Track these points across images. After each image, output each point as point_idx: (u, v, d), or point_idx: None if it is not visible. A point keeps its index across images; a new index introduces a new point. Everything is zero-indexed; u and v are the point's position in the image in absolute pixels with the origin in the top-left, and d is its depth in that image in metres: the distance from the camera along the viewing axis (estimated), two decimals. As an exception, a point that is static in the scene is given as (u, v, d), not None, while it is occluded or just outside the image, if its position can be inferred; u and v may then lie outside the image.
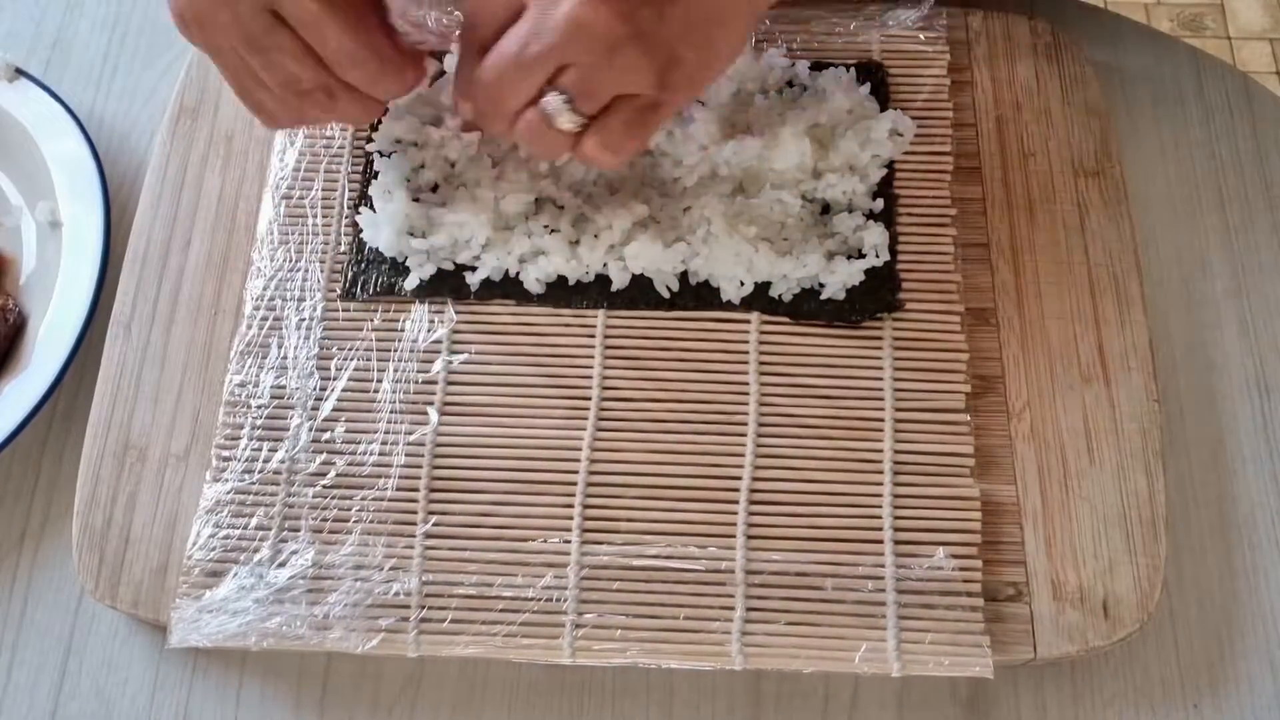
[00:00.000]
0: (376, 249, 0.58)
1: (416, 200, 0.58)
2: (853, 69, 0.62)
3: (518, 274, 0.58)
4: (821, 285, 0.57)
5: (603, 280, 0.58)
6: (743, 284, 0.57)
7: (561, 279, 0.57)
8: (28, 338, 0.59)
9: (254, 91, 0.53)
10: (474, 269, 0.58)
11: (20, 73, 0.65)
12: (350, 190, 0.60)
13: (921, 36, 0.64)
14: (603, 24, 0.47)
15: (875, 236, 0.57)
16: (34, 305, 0.60)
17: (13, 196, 0.64)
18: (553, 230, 0.58)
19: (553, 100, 0.49)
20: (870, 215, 0.59)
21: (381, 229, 0.58)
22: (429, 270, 0.58)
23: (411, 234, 0.58)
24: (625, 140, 0.51)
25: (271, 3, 0.49)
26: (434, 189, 0.59)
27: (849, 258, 0.57)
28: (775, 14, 0.64)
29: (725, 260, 0.57)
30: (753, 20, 0.54)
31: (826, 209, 0.59)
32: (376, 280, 0.58)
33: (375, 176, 0.60)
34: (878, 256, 0.57)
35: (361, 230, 0.58)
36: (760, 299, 0.57)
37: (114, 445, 0.56)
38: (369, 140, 0.61)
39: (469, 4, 0.51)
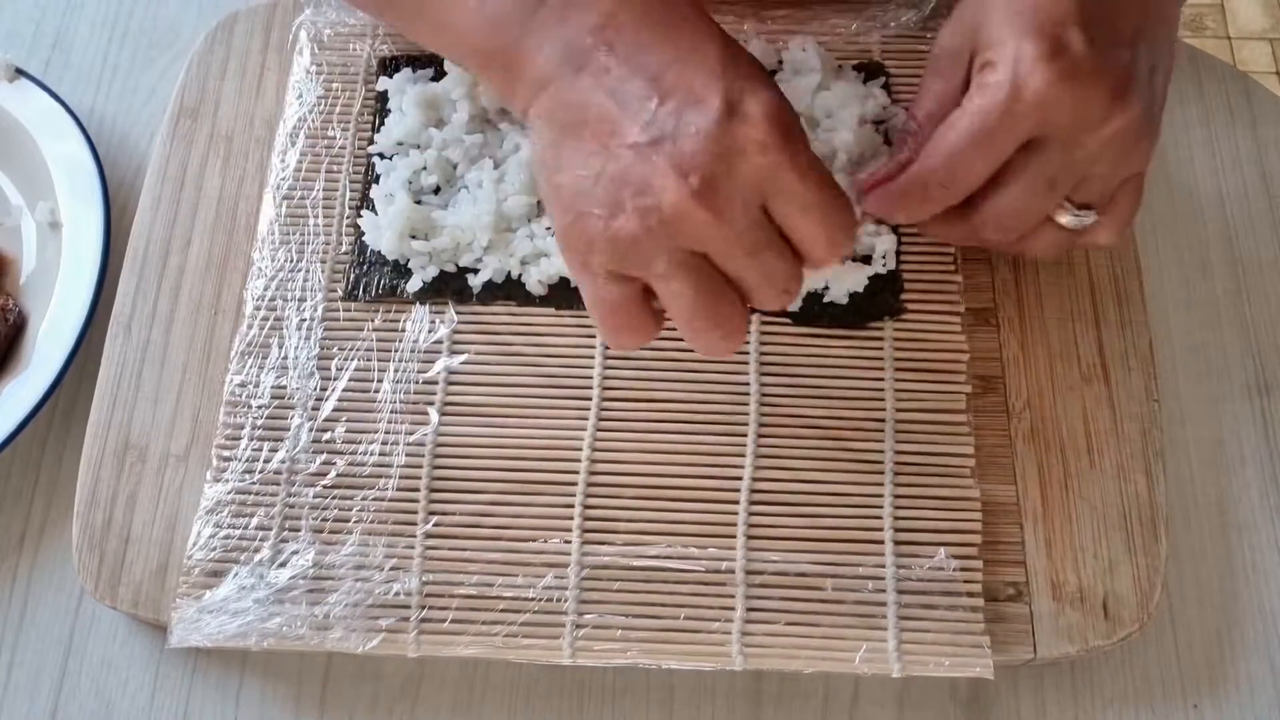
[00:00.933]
0: (378, 251, 0.58)
1: (419, 203, 0.58)
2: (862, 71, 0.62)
3: (519, 276, 0.58)
4: (825, 289, 0.57)
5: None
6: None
7: (564, 280, 0.57)
8: (28, 338, 0.59)
9: (721, 308, 0.46)
10: (476, 271, 0.58)
11: (20, 73, 0.65)
12: (352, 191, 0.60)
13: (928, 37, 0.64)
14: (1133, 134, 0.47)
15: (886, 243, 0.57)
16: (34, 305, 0.60)
17: (13, 196, 0.64)
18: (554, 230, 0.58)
19: (1085, 216, 0.50)
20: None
21: (383, 232, 0.58)
22: (431, 272, 0.58)
23: (414, 236, 0.58)
24: (1133, 216, 0.52)
25: (763, 198, 0.44)
26: (436, 191, 0.59)
27: (855, 260, 0.57)
28: (776, 14, 0.64)
29: None
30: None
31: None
32: (379, 282, 0.58)
33: (376, 179, 0.60)
34: (884, 264, 0.57)
35: (363, 233, 0.58)
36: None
37: (114, 445, 0.55)
38: (370, 142, 0.61)
39: (939, 153, 0.49)
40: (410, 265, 0.58)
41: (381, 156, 0.60)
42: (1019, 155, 0.48)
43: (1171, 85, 0.65)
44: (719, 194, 0.43)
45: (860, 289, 0.57)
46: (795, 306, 0.57)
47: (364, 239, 0.58)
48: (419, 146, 0.60)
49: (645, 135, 0.44)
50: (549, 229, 0.58)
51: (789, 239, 0.46)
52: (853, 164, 0.58)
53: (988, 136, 0.47)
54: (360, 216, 0.59)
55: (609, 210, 0.44)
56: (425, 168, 0.59)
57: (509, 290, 0.57)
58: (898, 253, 0.58)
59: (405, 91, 0.61)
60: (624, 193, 0.44)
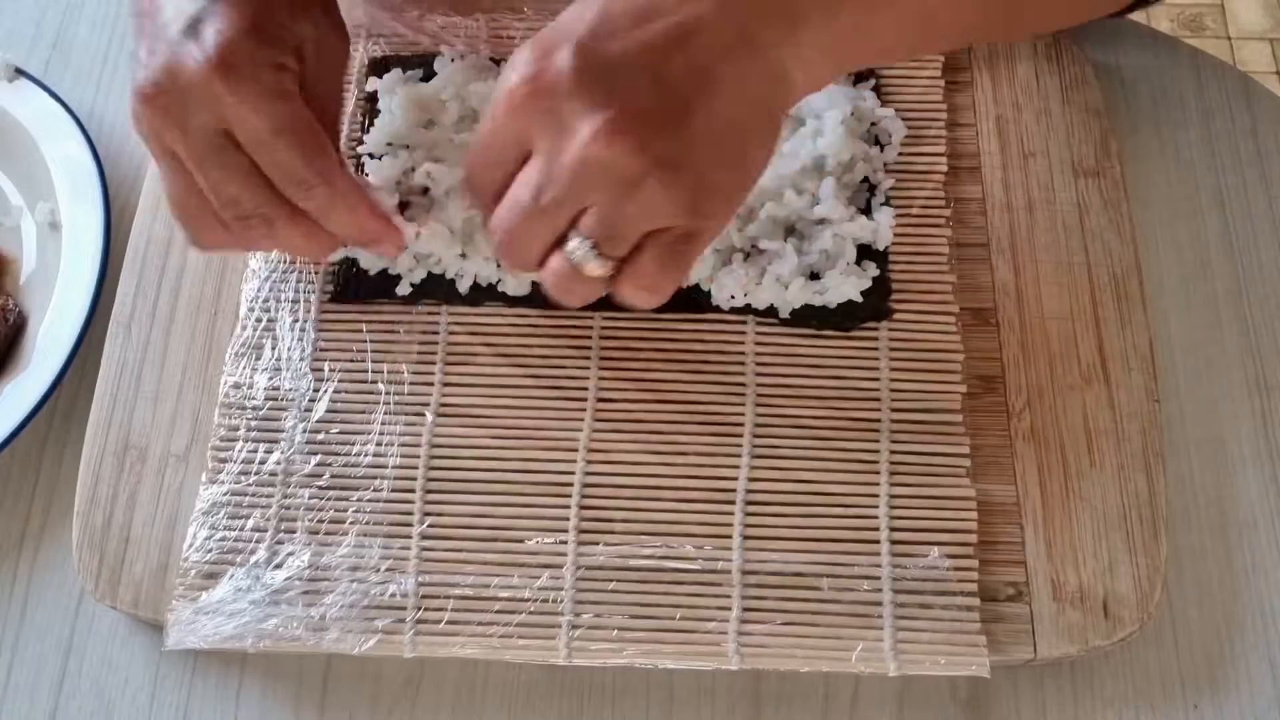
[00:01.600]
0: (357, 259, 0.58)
1: (405, 205, 0.58)
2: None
3: (498, 283, 0.57)
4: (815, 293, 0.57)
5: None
6: (733, 296, 0.57)
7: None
8: (28, 338, 0.59)
9: (189, 206, 0.51)
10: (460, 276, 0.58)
11: (20, 73, 0.65)
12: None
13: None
14: (619, 161, 0.43)
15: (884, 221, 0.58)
16: (34, 305, 0.60)
17: (13, 196, 0.64)
18: None
19: (578, 247, 0.46)
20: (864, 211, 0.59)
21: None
22: (420, 274, 0.58)
23: None
24: (662, 279, 0.47)
25: (224, 122, 0.48)
26: (424, 191, 0.59)
27: (849, 263, 0.57)
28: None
29: (725, 285, 0.57)
30: (779, 117, 0.47)
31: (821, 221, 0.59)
32: (369, 284, 0.58)
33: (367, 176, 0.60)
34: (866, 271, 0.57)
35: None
36: (751, 307, 0.57)
37: (114, 445, 0.56)
38: (359, 143, 0.61)
39: (469, 153, 0.48)
40: (397, 270, 0.58)
41: (371, 156, 0.60)
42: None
43: (1171, 85, 0.65)
44: (168, 102, 0.48)
45: (857, 296, 0.57)
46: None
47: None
48: (408, 147, 0.60)
49: (145, 29, 0.50)
50: None
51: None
52: (841, 168, 0.58)
53: (488, 137, 0.47)
54: None
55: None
56: (414, 168, 0.59)
57: (497, 290, 0.58)
58: (886, 253, 0.58)
59: (394, 92, 0.61)
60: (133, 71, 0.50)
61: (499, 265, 0.57)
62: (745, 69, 0.45)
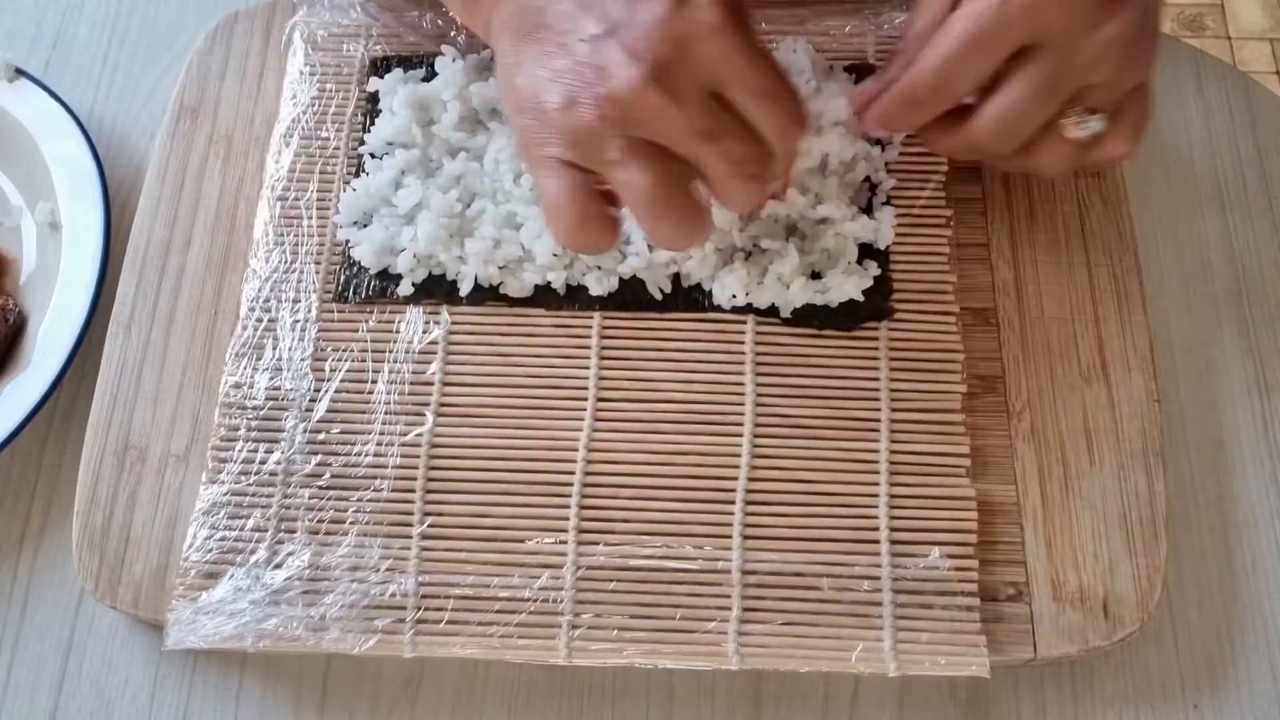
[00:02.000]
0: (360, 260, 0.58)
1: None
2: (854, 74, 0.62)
3: (500, 285, 0.57)
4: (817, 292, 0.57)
5: (596, 281, 0.58)
6: (734, 296, 0.57)
7: (547, 283, 0.58)
8: (28, 338, 0.59)
9: (674, 196, 0.48)
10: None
11: (20, 73, 0.65)
12: (350, 190, 0.60)
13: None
14: (1129, 32, 0.47)
15: (885, 221, 0.58)
16: (34, 305, 0.60)
17: (13, 196, 0.64)
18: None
19: (1093, 123, 0.49)
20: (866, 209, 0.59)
21: (364, 245, 0.58)
22: (420, 274, 0.58)
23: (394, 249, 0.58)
24: (1144, 125, 0.51)
25: (719, 83, 0.46)
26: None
27: (851, 262, 0.57)
28: (772, 14, 0.64)
29: (726, 284, 0.57)
30: None
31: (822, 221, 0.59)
32: (369, 285, 0.58)
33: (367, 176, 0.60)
34: (867, 270, 0.57)
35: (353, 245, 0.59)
36: (752, 306, 0.57)
37: (114, 445, 0.56)
38: (361, 142, 0.61)
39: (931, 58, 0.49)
40: (398, 270, 0.58)
41: (373, 156, 0.60)
42: (1014, 61, 0.48)
43: (1171, 85, 0.65)
44: (671, 78, 0.45)
45: (859, 295, 0.57)
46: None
47: (351, 253, 0.59)
48: (406, 146, 0.60)
49: (600, 27, 0.46)
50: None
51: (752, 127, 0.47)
52: (843, 167, 0.58)
53: (979, 40, 0.47)
54: (340, 228, 0.59)
55: (563, 101, 0.46)
56: (409, 168, 0.59)
57: (498, 291, 0.58)
58: (887, 251, 0.58)
59: (396, 92, 0.61)
60: (578, 83, 0.46)
61: (501, 268, 0.57)
62: None
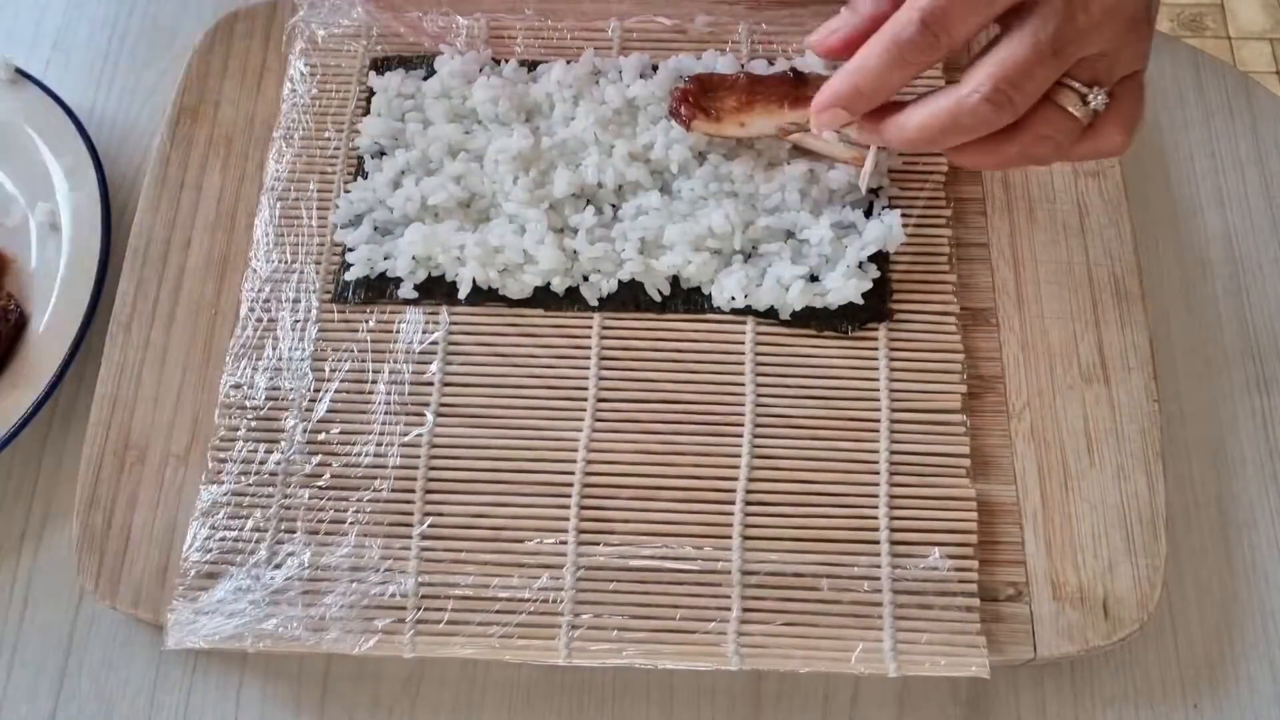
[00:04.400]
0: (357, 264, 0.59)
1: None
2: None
3: (500, 289, 0.58)
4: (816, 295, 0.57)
5: (595, 284, 0.58)
6: (733, 298, 0.57)
7: (546, 284, 0.58)
8: (28, 338, 0.59)
9: None
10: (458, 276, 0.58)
11: (20, 73, 0.65)
12: (345, 192, 0.60)
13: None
14: (1130, 4, 0.46)
15: (869, 264, 0.58)
16: (34, 305, 0.60)
17: (13, 196, 0.64)
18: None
19: (1094, 95, 0.47)
20: (868, 212, 0.59)
21: (359, 250, 0.58)
22: (419, 275, 0.58)
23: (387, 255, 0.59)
24: (1139, 117, 0.49)
25: None
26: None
27: (850, 265, 0.57)
28: (770, 18, 0.64)
29: (725, 286, 0.57)
30: None
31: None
32: (369, 285, 0.58)
33: (365, 177, 0.60)
34: (866, 270, 0.57)
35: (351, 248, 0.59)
36: (751, 308, 0.57)
37: (114, 445, 0.56)
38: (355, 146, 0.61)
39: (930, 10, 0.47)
40: (397, 272, 0.58)
41: (371, 156, 0.61)
42: (1011, 18, 0.47)
43: (1171, 85, 0.65)
44: None
45: (858, 298, 0.57)
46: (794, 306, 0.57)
47: (348, 258, 0.59)
48: (407, 147, 0.60)
49: None
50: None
51: None
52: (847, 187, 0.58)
53: None
54: (337, 231, 0.59)
55: None
56: (408, 169, 0.59)
57: (498, 292, 0.58)
58: (886, 254, 0.58)
59: (390, 90, 0.61)
60: None
61: (501, 271, 0.57)
62: None
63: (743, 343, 0.56)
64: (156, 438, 0.56)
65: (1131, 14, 0.46)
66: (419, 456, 0.54)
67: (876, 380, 0.56)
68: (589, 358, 0.56)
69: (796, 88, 0.55)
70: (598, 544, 0.52)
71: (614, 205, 0.59)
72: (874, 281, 0.57)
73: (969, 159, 0.50)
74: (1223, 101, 0.66)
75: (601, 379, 0.56)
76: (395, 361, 0.56)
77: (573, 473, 0.54)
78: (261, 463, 0.54)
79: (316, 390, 0.56)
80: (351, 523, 0.53)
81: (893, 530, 0.52)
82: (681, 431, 0.55)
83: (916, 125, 0.49)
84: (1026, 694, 0.52)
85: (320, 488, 0.54)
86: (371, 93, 0.62)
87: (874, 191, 0.59)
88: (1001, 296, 0.58)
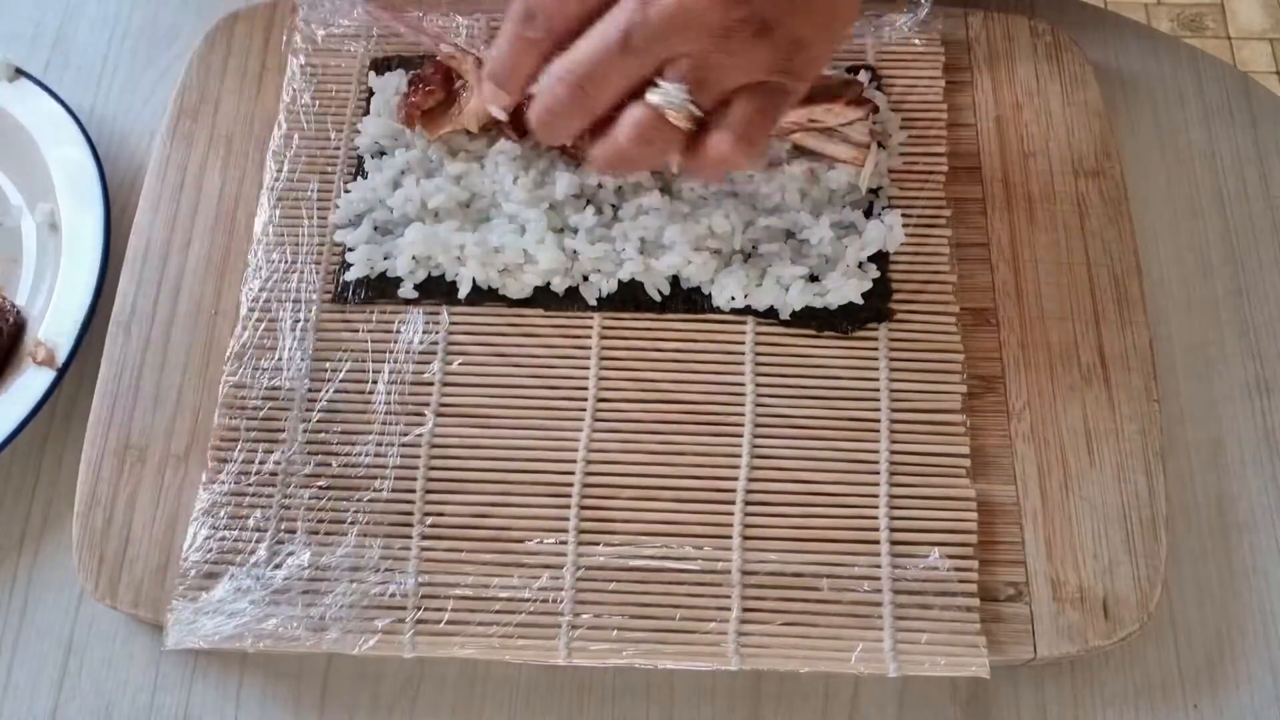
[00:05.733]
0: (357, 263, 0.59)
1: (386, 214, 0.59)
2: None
3: (501, 289, 0.58)
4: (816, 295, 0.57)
5: (595, 284, 0.58)
6: (733, 298, 0.57)
7: (546, 284, 0.58)
8: (28, 338, 0.59)
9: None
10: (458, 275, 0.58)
11: (20, 73, 0.65)
12: (345, 193, 0.60)
13: (916, 40, 0.64)
14: (719, 9, 0.44)
15: (869, 264, 0.58)
16: (34, 305, 0.60)
17: (13, 197, 0.64)
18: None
19: (671, 89, 0.46)
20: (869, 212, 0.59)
21: (359, 250, 0.58)
22: (419, 276, 0.58)
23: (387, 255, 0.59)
24: (752, 130, 0.47)
25: None
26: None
27: (850, 265, 0.57)
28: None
29: (725, 286, 0.57)
30: None
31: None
32: (369, 285, 0.58)
33: (366, 177, 0.60)
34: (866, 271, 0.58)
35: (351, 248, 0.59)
36: (751, 308, 0.57)
37: (114, 445, 0.56)
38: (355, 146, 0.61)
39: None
40: (397, 272, 0.58)
41: (372, 156, 0.61)
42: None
43: (1171, 85, 0.65)
44: None
45: (858, 299, 0.57)
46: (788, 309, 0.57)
47: (348, 258, 0.59)
48: (408, 147, 0.60)
49: None
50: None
51: None
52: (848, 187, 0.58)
53: None
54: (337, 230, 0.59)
55: None
56: (408, 169, 0.59)
57: (498, 292, 0.58)
58: (886, 254, 0.58)
59: (390, 90, 0.61)
60: None
61: (501, 271, 0.57)
62: None
63: (743, 343, 0.56)
64: (156, 438, 0.56)
65: (723, 20, 0.44)
66: (419, 456, 0.54)
67: (876, 380, 0.56)
68: (589, 358, 0.56)
69: None
70: (598, 544, 0.52)
71: (614, 205, 0.59)
72: (874, 281, 0.57)
73: (598, 157, 0.50)
74: (1223, 101, 0.66)
75: (601, 379, 0.56)
76: (395, 361, 0.56)
77: (573, 472, 0.54)
78: (261, 463, 0.54)
79: (316, 390, 0.56)
80: (351, 523, 0.53)
81: (893, 530, 0.52)
82: (681, 431, 0.55)
83: (532, 107, 0.50)
84: (1026, 694, 0.52)
85: (320, 488, 0.54)
86: (371, 93, 0.62)
87: (874, 191, 0.59)
88: (1001, 296, 0.58)
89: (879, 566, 0.52)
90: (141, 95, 0.68)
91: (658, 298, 0.57)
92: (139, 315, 0.58)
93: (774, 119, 0.48)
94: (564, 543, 0.52)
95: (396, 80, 0.62)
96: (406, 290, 0.57)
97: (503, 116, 0.56)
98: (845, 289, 0.56)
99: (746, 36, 0.45)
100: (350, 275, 0.58)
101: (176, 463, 0.55)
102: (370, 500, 0.53)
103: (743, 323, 0.57)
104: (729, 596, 0.51)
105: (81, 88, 0.68)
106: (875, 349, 0.56)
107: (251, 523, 0.53)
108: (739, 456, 0.54)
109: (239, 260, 0.59)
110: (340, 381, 0.56)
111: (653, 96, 0.47)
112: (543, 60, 0.49)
